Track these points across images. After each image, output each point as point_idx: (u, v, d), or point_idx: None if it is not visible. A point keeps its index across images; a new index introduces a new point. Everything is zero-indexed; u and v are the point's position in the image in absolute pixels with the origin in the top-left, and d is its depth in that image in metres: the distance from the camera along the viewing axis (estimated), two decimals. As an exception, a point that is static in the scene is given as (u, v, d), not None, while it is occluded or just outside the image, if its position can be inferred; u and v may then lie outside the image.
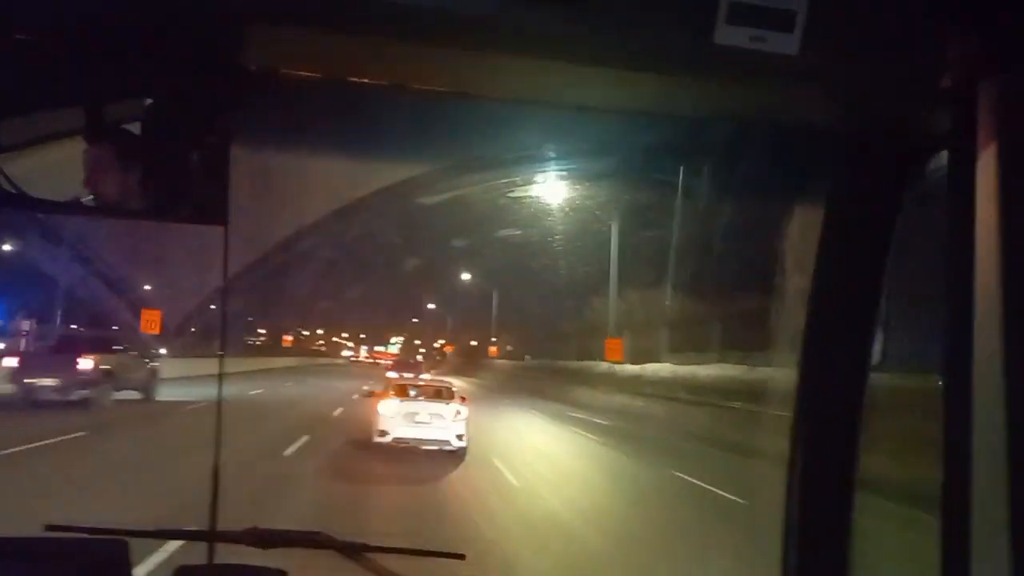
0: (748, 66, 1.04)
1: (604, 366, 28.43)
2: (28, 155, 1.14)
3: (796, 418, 1.42)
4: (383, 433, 13.16)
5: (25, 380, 15.52)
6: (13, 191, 1.13)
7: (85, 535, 1.73)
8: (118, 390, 17.07)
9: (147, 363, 19.36)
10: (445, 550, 1.92)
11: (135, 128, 1.17)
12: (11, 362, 16.38)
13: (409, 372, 30.84)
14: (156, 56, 1.08)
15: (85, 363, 15.88)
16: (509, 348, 49.28)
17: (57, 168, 1.15)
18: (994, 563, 1.02)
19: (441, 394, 14.21)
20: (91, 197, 1.17)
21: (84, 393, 15.74)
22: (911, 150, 1.25)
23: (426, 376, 16.73)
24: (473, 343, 59.93)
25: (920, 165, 1.24)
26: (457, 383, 22.25)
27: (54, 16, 1.03)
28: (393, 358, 53.97)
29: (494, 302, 43.01)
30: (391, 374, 28.01)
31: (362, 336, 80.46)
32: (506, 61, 1.07)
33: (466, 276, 41.90)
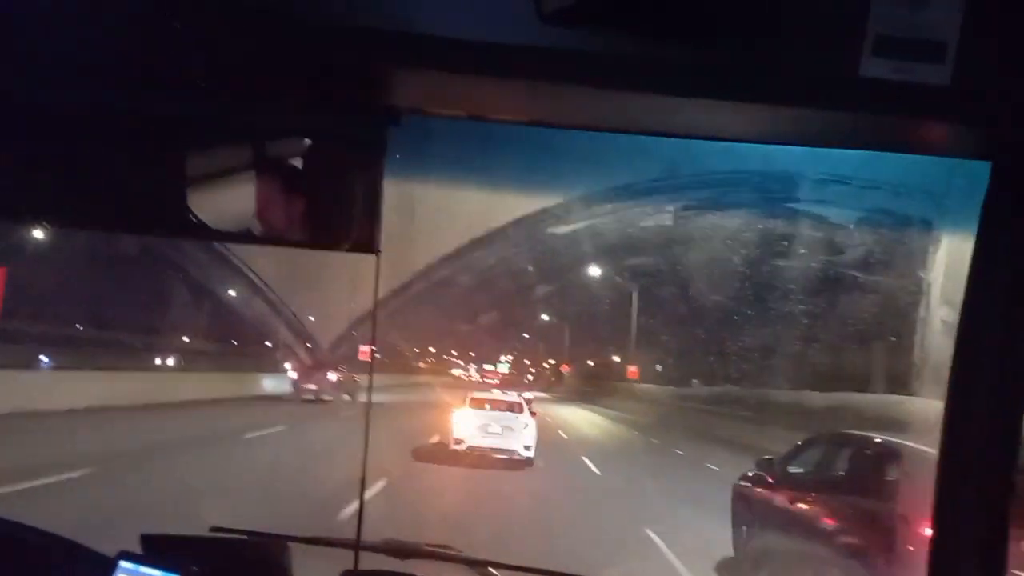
0: (895, 97, 1.00)
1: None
2: (205, 188, 1.24)
3: (943, 458, 1.32)
4: (459, 441, 13.73)
5: (301, 385, 24.88)
6: (195, 222, 1.23)
7: (246, 537, 1.86)
8: (342, 393, 25.26)
9: (353, 377, 26.66)
10: (570, 572, 1.91)
11: (297, 164, 1.25)
12: (293, 374, 26.07)
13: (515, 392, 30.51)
14: (314, 100, 1.16)
15: (332, 376, 24.39)
16: (658, 368, 37.54)
17: (231, 201, 1.25)
18: None
19: (512, 407, 14.80)
20: (258, 226, 1.26)
21: (328, 395, 24.69)
22: None
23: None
24: (590, 362, 54.96)
25: None
26: (585, 417, 22.28)
27: (226, 65, 1.13)
28: (499, 377, 52.74)
29: (633, 312, 34.27)
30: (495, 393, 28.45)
31: (472, 354, 77.12)
32: (643, 99, 1.07)
33: (594, 274, 33.74)
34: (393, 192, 1.26)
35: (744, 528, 7.33)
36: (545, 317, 52.26)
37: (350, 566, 1.74)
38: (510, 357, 76.07)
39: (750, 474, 7.80)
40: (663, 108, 1.10)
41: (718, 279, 21.95)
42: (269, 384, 25.69)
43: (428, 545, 1.88)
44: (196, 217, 1.23)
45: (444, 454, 13.55)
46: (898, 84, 0.97)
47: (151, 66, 1.13)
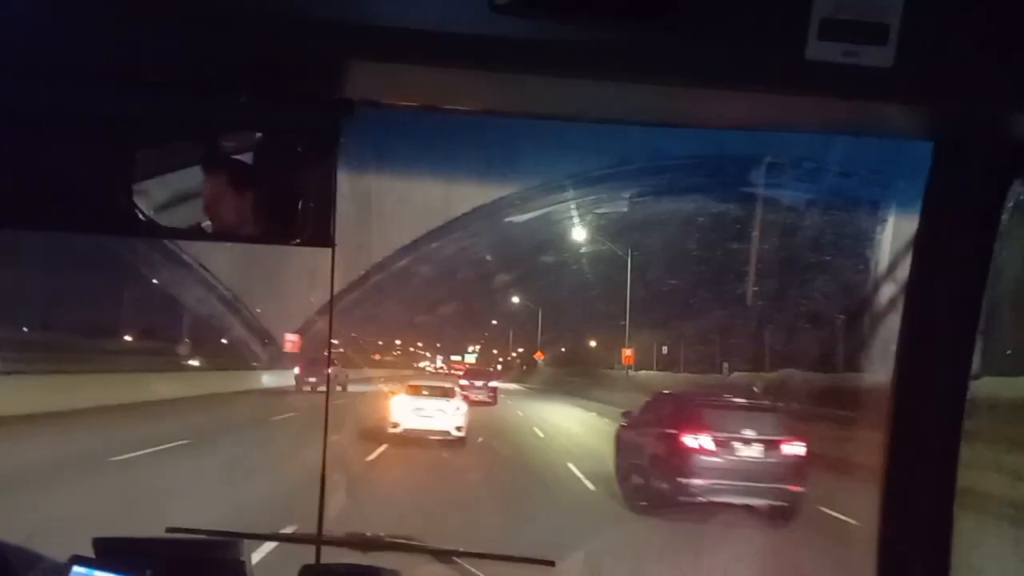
0: (841, 80, 1.02)
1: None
2: (155, 186, 1.22)
3: (892, 431, 1.36)
4: (395, 425, 14.65)
5: (304, 378, 26.94)
6: (144, 220, 1.20)
7: (203, 536, 1.83)
8: (336, 385, 26.79)
9: (344, 370, 29.54)
10: (536, 557, 1.92)
11: (248, 159, 1.23)
12: (296, 369, 28.30)
13: (480, 380, 30.55)
14: (266, 92, 1.14)
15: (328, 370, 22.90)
16: (665, 351, 32.54)
17: (181, 198, 1.23)
18: None
19: (446, 393, 15.91)
20: (209, 223, 1.24)
21: (322, 386, 25.19)
22: (1009, 155, 1.19)
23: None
24: (563, 349, 50.58)
25: (1017, 171, 1.18)
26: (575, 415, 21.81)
27: (176, 59, 1.10)
28: (465, 367, 52.20)
29: (627, 291, 28.53)
30: (463, 382, 29.52)
31: (438, 345, 74.95)
32: (595, 85, 1.07)
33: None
34: (348, 184, 1.24)
35: (618, 452, 10.89)
36: (515, 300, 49.26)
37: (312, 561, 1.72)
38: (477, 347, 74.32)
39: (623, 422, 11.42)
40: (616, 95, 1.11)
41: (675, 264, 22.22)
42: (268, 379, 29.28)
43: (391, 537, 1.87)
44: (147, 215, 1.20)
45: (389, 436, 14.34)
46: (844, 67, 0.99)
47: (100, 61, 1.10)
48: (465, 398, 17.14)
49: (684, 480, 8.50)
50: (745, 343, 22.60)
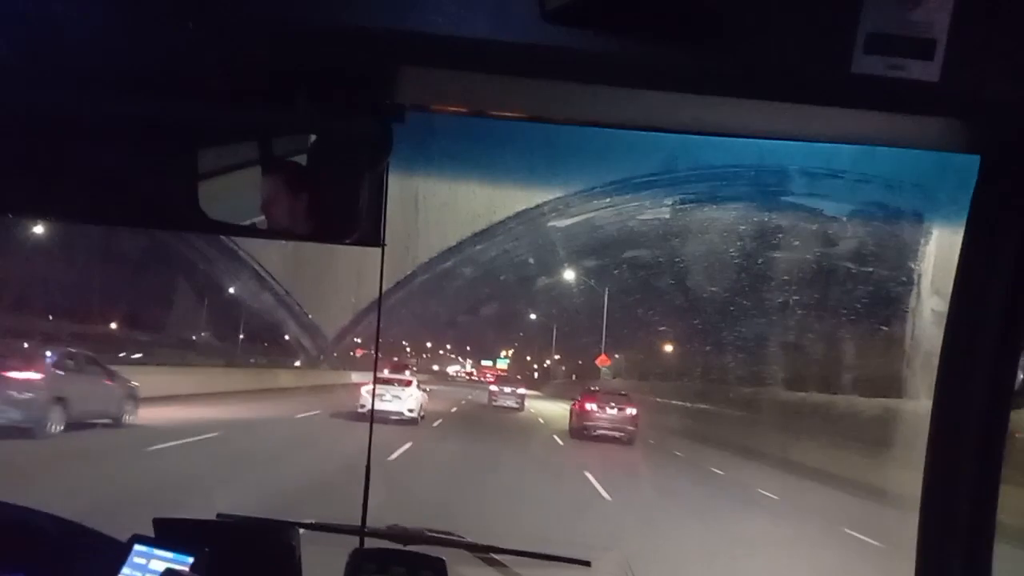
0: (886, 93, 1.00)
1: None
2: (215, 184, 1.25)
3: (930, 449, 1.32)
4: (362, 407, 18.29)
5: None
6: (207, 217, 1.24)
7: (255, 521, 1.87)
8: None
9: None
10: (572, 556, 1.92)
11: (303, 160, 1.25)
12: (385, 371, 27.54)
13: (510, 387, 32.67)
14: (321, 98, 1.16)
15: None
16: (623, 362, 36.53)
17: (239, 196, 1.26)
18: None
19: (404, 384, 19.82)
20: (266, 222, 1.26)
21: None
22: None
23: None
24: (580, 361, 48.36)
25: None
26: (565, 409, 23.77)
27: (238, 69, 1.13)
28: (496, 373, 51.89)
29: (605, 304, 30.60)
30: (493, 388, 33.59)
31: (468, 348, 71.98)
32: (640, 95, 1.07)
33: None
34: (398, 187, 1.26)
35: (570, 417, 20.82)
36: (532, 317, 48.45)
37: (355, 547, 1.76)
38: (510, 351, 70.72)
39: (573, 405, 20.95)
40: (661, 104, 1.11)
41: (714, 272, 21.97)
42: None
43: (430, 531, 1.89)
44: (207, 213, 1.24)
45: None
46: (889, 80, 0.97)
47: (165, 69, 1.13)
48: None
49: (587, 423, 19.30)
50: (764, 352, 22.40)
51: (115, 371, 13.57)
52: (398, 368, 25.59)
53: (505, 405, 28.73)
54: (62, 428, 11.22)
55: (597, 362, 34.21)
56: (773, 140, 1.28)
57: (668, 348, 34.31)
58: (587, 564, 1.91)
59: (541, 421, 25.01)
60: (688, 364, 31.90)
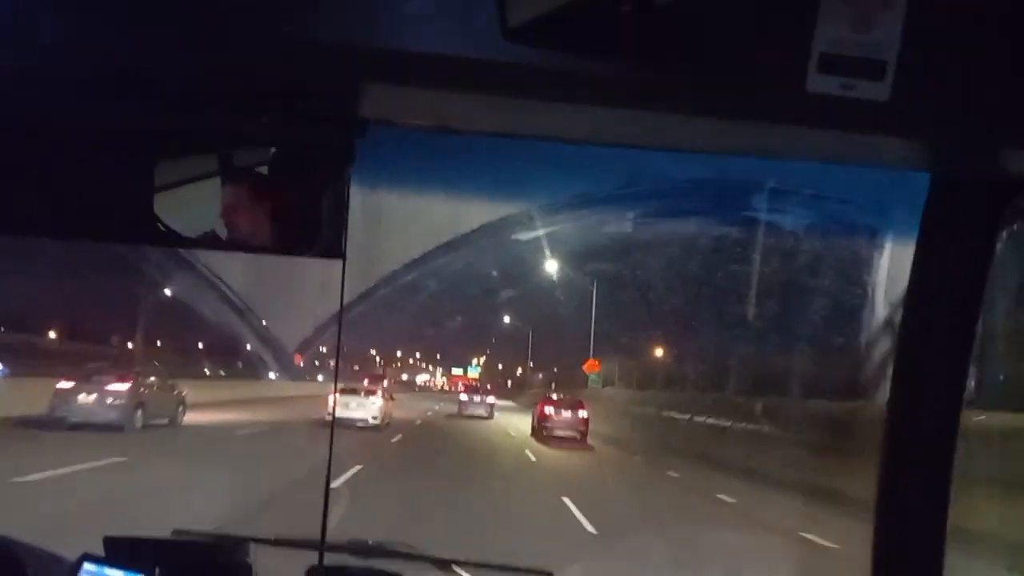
0: (839, 112, 1.03)
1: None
2: (172, 196, 1.23)
3: (884, 457, 1.35)
4: (329, 413, 19.25)
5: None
6: (163, 229, 1.21)
7: (210, 539, 1.83)
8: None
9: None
10: (535, 567, 1.92)
11: (264, 172, 1.24)
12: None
13: (479, 396, 33.70)
14: (283, 111, 1.15)
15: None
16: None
17: (198, 208, 1.24)
18: None
19: (368, 394, 21.37)
20: (224, 233, 1.25)
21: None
22: (1004, 189, 1.19)
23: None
24: (555, 369, 50.16)
25: (1015, 203, 1.18)
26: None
27: (196, 78, 1.12)
28: (467, 383, 51.63)
29: (593, 307, 30.74)
30: (463, 397, 34.07)
31: (438, 357, 71.44)
32: (601, 111, 1.08)
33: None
34: (360, 200, 1.25)
35: (533, 419, 23.18)
36: (506, 320, 47.89)
37: (314, 563, 1.73)
38: (481, 359, 69.85)
39: (535, 411, 23.20)
40: (621, 120, 1.12)
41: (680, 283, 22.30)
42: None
43: (392, 544, 1.87)
44: (164, 225, 1.21)
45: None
46: (842, 100, 1.00)
47: (122, 77, 1.11)
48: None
49: (546, 425, 21.75)
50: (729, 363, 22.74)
51: (172, 382, 17.37)
52: (375, 380, 27.11)
53: (475, 414, 30.37)
54: (140, 427, 14.64)
55: (585, 367, 31.07)
56: (732, 156, 1.30)
57: (659, 354, 32.57)
58: (550, 574, 1.91)
59: (512, 434, 22.85)
60: (683, 373, 29.25)
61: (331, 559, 1.76)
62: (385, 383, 26.37)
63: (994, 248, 1.23)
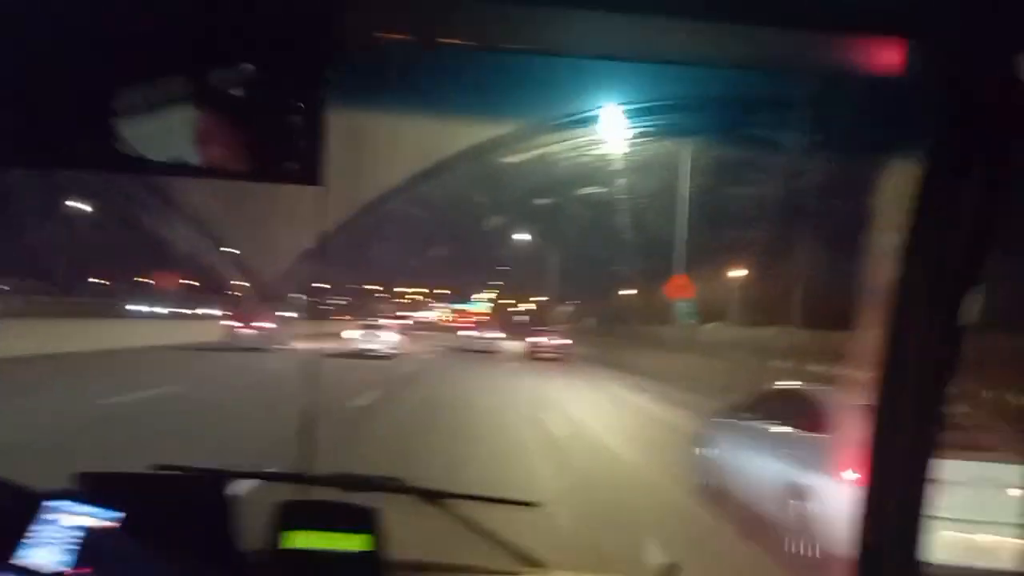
0: (850, 16, 1.00)
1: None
2: (142, 120, 1.20)
3: (881, 377, 1.37)
4: (348, 341, 27.03)
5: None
6: (130, 154, 1.19)
7: (188, 473, 1.86)
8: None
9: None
10: (521, 499, 1.97)
11: (236, 94, 1.21)
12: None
13: (490, 333, 39.45)
14: (254, 25, 1.12)
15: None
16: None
17: (167, 132, 1.21)
18: None
19: (381, 328, 28.13)
20: (196, 160, 1.23)
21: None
22: (1018, 108, 1.17)
23: None
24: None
25: None
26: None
27: None
28: (475, 317, 51.02)
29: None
30: (463, 333, 40.49)
31: (446, 292, 68.96)
32: (594, 19, 1.05)
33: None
34: (338, 123, 1.23)
35: (525, 348, 36.70)
36: (525, 238, 41.26)
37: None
38: (491, 295, 66.15)
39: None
40: (615, 29, 1.09)
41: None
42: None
43: (379, 477, 1.90)
44: (133, 149, 1.19)
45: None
46: (855, 2, 0.97)
47: None
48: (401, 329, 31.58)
49: (534, 350, 33.61)
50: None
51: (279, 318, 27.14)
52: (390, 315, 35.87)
53: (478, 348, 35.86)
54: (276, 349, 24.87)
55: (669, 290, 22.17)
56: (734, 68, 1.28)
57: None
58: (536, 505, 1.97)
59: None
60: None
61: (316, 493, 1.80)
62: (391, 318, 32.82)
63: (1006, 171, 1.22)
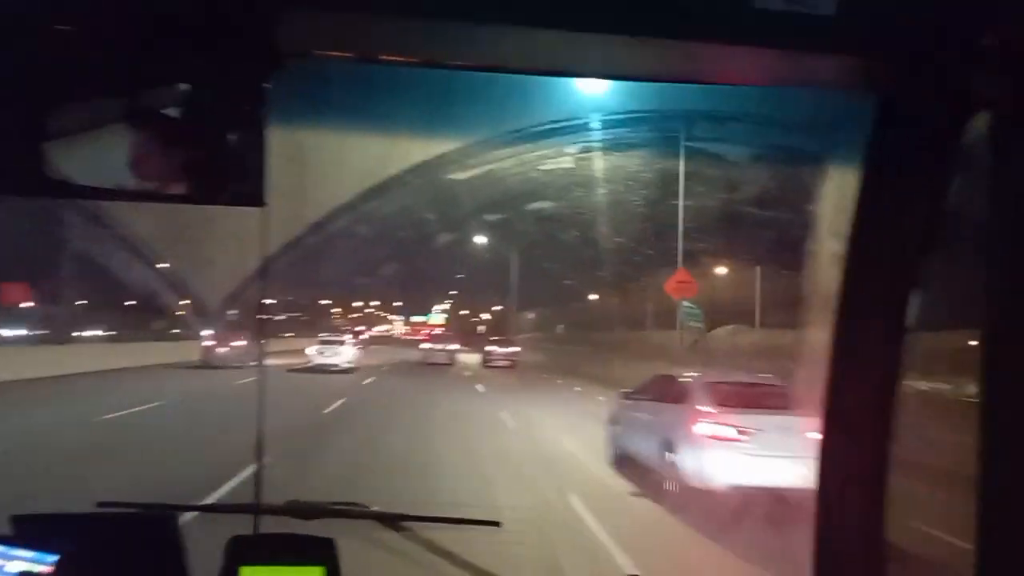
0: (785, 30, 1.03)
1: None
2: (73, 144, 1.16)
3: (830, 384, 1.40)
4: (309, 360, 27.33)
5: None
6: (60, 179, 1.15)
7: (134, 510, 1.79)
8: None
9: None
10: (484, 519, 1.95)
11: (172, 113, 1.18)
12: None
13: (441, 345, 39.58)
14: (190, 43, 1.09)
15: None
16: None
17: (101, 156, 1.18)
18: None
19: (340, 344, 29.06)
20: (133, 183, 1.19)
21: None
22: (954, 112, 1.22)
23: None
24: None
25: (963, 127, 1.21)
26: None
27: (90, 6, 1.04)
28: (431, 330, 50.97)
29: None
30: (424, 346, 40.69)
31: (396, 304, 68.79)
32: (536, 34, 1.06)
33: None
34: (281, 141, 1.21)
35: (482, 355, 39.59)
36: (482, 241, 40.36)
37: (251, 531, 1.70)
38: (446, 305, 65.29)
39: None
40: (558, 45, 1.10)
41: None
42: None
43: (334, 504, 1.86)
44: (63, 174, 1.15)
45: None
46: (788, 15, 1.00)
47: (11, 9, 1.03)
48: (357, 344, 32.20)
49: (487, 360, 36.57)
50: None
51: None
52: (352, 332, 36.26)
53: (437, 361, 36.33)
54: (247, 366, 24.39)
55: (672, 288, 19.66)
56: (673, 82, 1.30)
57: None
58: (497, 524, 1.95)
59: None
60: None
61: (269, 524, 1.74)
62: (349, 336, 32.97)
63: (944, 174, 1.26)
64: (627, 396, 10.71)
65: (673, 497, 7.99)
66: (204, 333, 29.08)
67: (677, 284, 19.38)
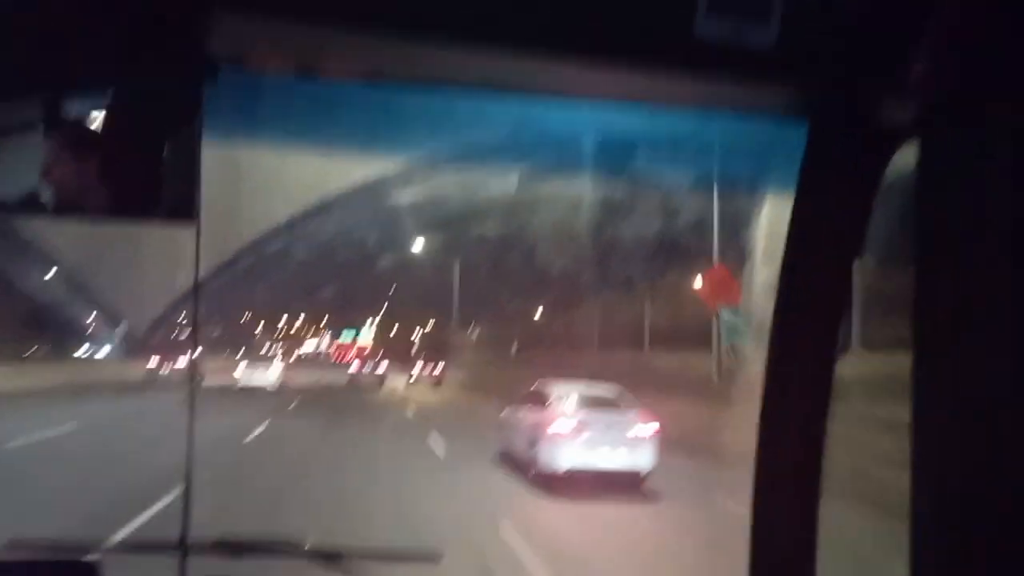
0: (724, 58, 1.06)
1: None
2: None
3: (764, 408, 1.43)
4: (235, 379, 27.57)
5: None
6: None
7: (50, 553, 1.68)
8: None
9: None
10: (422, 552, 1.92)
11: (98, 123, 1.14)
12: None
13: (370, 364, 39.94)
14: (118, 45, 1.06)
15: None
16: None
17: (11, 165, 1.13)
18: None
19: (266, 365, 30.38)
20: (49, 196, 1.14)
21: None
22: (882, 138, 1.27)
23: None
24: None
25: (889, 152, 1.26)
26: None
27: (18, 10, 1.01)
28: (357, 350, 50.37)
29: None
30: (352, 370, 39.99)
31: (321, 325, 68.00)
32: (481, 51, 1.06)
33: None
34: (215, 155, 1.18)
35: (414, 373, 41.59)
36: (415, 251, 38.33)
37: (175, 573, 1.62)
38: (372, 324, 60.61)
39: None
40: (502, 63, 1.11)
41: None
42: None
43: (267, 540, 1.79)
44: None
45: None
46: (728, 45, 1.03)
47: None
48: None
49: (417, 376, 38.39)
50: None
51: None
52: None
53: (365, 384, 36.03)
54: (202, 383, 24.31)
55: (707, 293, 14.80)
56: (616, 102, 1.32)
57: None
58: (436, 560, 1.92)
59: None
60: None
61: (196, 564, 1.66)
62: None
63: (872, 200, 1.31)
64: (512, 405, 13.49)
65: (533, 480, 11.08)
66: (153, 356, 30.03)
67: (715, 288, 13.17)
